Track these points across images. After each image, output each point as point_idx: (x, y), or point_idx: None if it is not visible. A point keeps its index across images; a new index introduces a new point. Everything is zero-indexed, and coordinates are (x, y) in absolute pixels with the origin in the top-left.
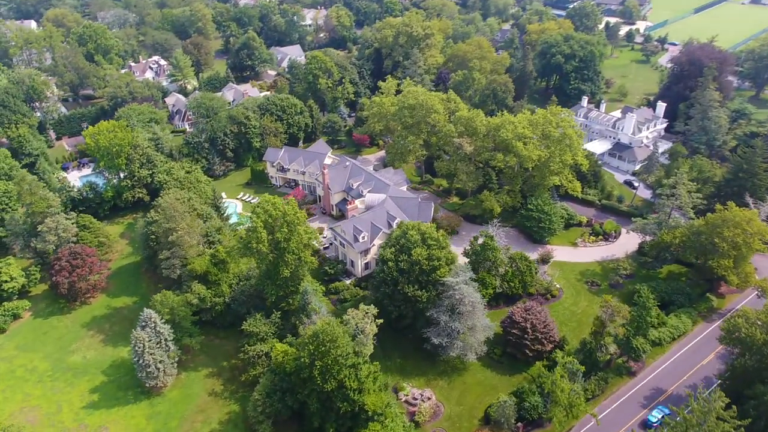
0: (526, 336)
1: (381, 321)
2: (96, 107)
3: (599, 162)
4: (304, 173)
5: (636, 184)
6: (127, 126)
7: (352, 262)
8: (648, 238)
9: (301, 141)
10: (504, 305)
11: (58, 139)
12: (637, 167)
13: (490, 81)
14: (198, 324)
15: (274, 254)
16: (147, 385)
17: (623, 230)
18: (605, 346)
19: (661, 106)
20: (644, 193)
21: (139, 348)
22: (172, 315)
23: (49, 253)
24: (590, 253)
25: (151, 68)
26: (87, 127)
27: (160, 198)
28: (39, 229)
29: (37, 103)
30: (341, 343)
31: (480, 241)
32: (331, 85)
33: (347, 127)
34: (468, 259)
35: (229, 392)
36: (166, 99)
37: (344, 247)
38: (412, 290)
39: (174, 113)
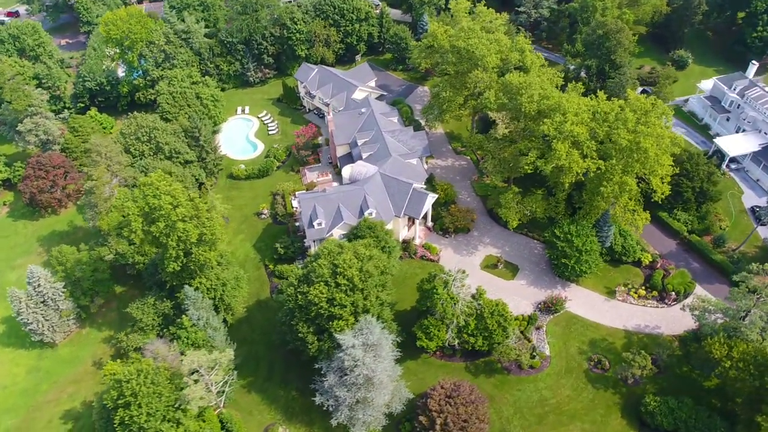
0: None
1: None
2: None
3: (724, 169)
4: (327, 105)
5: (765, 220)
6: (152, 16)
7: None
8: (699, 327)
9: (360, 55)
10: (461, 359)
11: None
12: None
13: (619, 15)
14: (130, 278)
15: (155, 246)
16: (33, 339)
17: (699, 290)
18: None
19: None
20: None
21: (16, 306)
22: (66, 273)
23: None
24: (626, 314)
25: None
26: None
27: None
28: (18, 129)
29: None
30: (151, 401)
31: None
32: None
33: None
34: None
35: (128, 361)
36: None
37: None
38: (305, 331)
39: None
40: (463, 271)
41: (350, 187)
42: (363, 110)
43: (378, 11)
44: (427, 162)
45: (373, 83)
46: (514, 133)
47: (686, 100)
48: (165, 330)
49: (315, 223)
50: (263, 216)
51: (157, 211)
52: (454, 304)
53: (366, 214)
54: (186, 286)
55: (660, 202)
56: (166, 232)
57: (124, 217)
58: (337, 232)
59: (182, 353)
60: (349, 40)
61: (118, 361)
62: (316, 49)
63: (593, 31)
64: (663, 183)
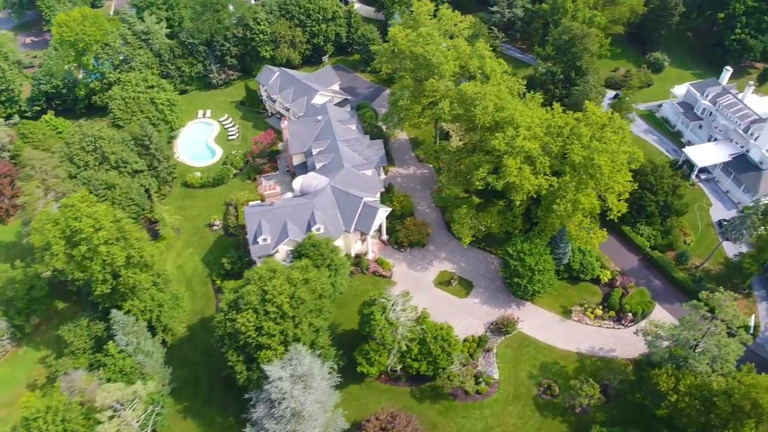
0: None
1: None
2: None
3: (693, 179)
4: (288, 110)
5: (730, 235)
6: (112, 17)
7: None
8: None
9: (327, 56)
10: (407, 383)
11: None
12: (759, 200)
13: (591, 16)
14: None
15: (79, 270)
16: None
17: (658, 310)
18: None
19: None
20: (737, 249)
21: None
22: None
23: None
24: (581, 335)
25: None
26: None
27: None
28: None
29: None
30: None
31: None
32: None
33: None
34: None
35: (44, 392)
36: None
37: None
38: (234, 360)
39: None
40: (406, 294)
41: (299, 200)
42: (319, 118)
43: (346, 10)
44: (387, 171)
45: (336, 87)
46: (469, 145)
47: (660, 106)
48: (94, 355)
49: (260, 239)
50: (215, 227)
51: (78, 235)
52: (394, 329)
53: (313, 229)
54: (114, 310)
55: (622, 217)
56: (89, 255)
57: (46, 240)
58: (283, 249)
59: (109, 380)
60: (315, 41)
61: (36, 392)
62: (281, 51)
63: (559, 35)
64: (620, 200)
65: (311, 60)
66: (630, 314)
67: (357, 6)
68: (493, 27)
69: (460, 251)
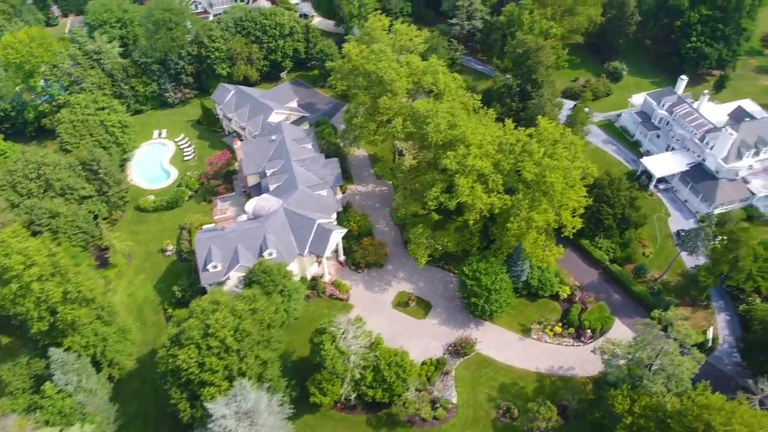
0: None
1: None
2: None
3: (652, 189)
4: (244, 128)
5: (687, 246)
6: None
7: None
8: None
9: (285, 72)
10: (363, 410)
11: (65, 15)
12: (712, 211)
13: (547, 28)
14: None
15: (12, 308)
16: None
17: (617, 326)
18: None
19: None
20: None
21: None
22: None
23: None
24: (540, 354)
25: None
26: None
27: None
28: None
29: None
30: None
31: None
32: None
33: None
34: None
35: None
36: None
37: None
38: (177, 397)
39: None
40: (359, 319)
41: (250, 224)
42: (274, 137)
43: (304, 25)
44: (345, 189)
45: (294, 104)
46: (423, 163)
47: (619, 115)
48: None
49: (210, 267)
50: (168, 253)
51: (8, 272)
52: (346, 358)
53: (265, 254)
54: (53, 348)
55: (581, 231)
56: (21, 293)
57: None
58: (235, 275)
59: (47, 423)
60: (273, 57)
61: None
62: (238, 68)
63: (514, 49)
64: (575, 216)
65: (270, 76)
66: (589, 331)
67: (317, 20)
68: (452, 39)
69: (419, 271)
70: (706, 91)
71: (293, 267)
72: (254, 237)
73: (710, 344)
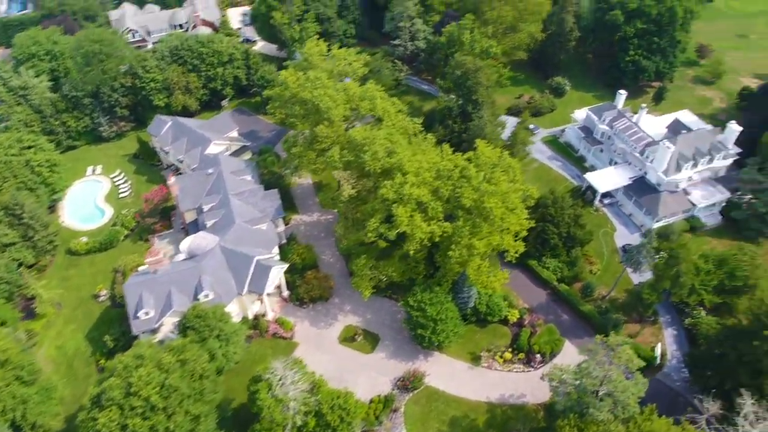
0: None
1: None
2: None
3: (597, 204)
4: (181, 162)
5: (630, 263)
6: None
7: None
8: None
9: (227, 100)
10: None
11: None
12: (655, 226)
13: (487, 47)
14: None
15: None
16: None
17: (567, 347)
18: None
19: (734, 129)
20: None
21: None
22: None
23: None
24: (491, 382)
25: None
26: None
27: None
28: None
29: None
30: None
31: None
32: (287, 21)
33: None
34: None
35: None
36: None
37: None
38: None
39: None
40: (299, 362)
41: (185, 265)
42: (210, 170)
43: (243, 51)
44: (289, 220)
45: (234, 133)
46: (363, 192)
47: (563, 131)
48: None
49: (141, 314)
50: (101, 298)
51: None
52: (285, 406)
53: (201, 297)
54: None
55: (527, 252)
56: None
57: None
58: (169, 321)
59: None
60: (213, 85)
61: None
62: (176, 98)
63: (453, 70)
64: (518, 240)
65: (211, 105)
66: (539, 355)
67: (260, 44)
68: (397, 60)
69: (366, 302)
70: (644, 105)
71: (233, 307)
72: (189, 278)
73: (658, 361)
